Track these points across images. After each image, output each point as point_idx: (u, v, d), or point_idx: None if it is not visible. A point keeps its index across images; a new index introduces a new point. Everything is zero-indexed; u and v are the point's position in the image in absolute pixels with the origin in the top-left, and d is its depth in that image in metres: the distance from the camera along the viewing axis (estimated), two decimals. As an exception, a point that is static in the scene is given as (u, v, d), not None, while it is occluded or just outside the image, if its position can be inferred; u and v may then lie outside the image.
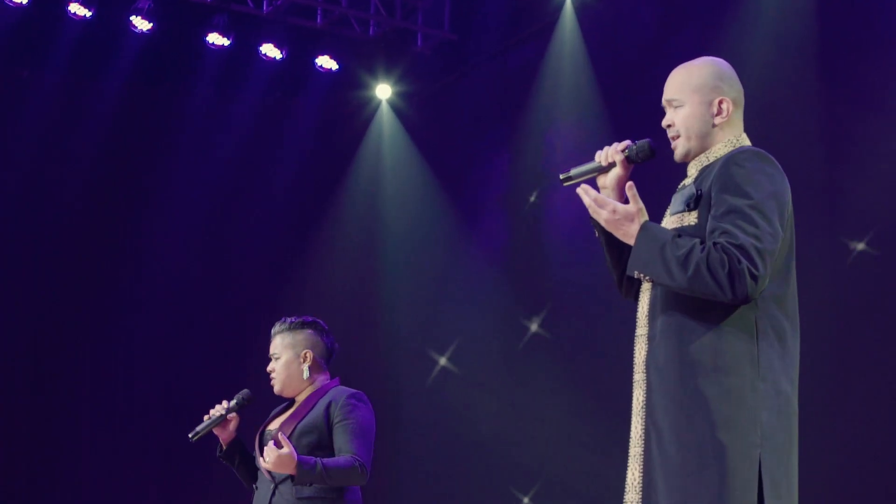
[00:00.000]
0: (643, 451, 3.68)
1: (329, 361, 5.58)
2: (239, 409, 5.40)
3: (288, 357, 5.49)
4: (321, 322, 5.60)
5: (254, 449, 5.49)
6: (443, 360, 10.66)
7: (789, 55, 7.97)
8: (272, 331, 5.59)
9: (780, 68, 7.86)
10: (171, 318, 11.00)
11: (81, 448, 10.61)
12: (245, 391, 5.42)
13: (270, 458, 5.04)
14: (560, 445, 9.42)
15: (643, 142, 3.83)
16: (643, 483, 3.66)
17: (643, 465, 3.67)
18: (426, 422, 10.74)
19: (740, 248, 3.46)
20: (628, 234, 3.65)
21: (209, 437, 5.44)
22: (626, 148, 3.84)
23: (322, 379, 5.51)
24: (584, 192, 3.75)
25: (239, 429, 5.49)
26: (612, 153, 3.85)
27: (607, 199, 3.71)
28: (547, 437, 9.53)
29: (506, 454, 9.83)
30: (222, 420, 5.36)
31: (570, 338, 9.58)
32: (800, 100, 7.82)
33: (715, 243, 3.49)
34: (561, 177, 3.91)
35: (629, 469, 3.74)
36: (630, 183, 3.71)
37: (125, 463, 10.62)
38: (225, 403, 5.39)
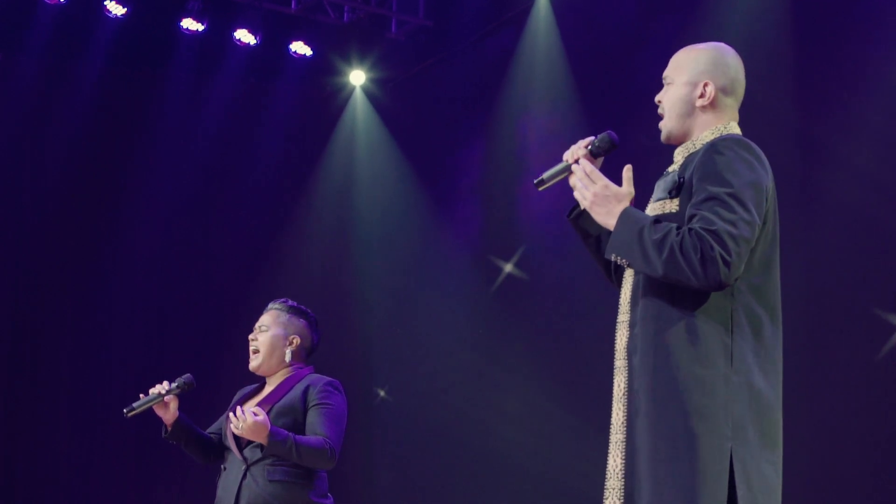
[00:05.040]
0: (625, 437, 3.68)
1: (310, 355, 5.62)
2: (179, 392, 5.42)
3: (276, 332, 5.53)
4: (315, 317, 5.64)
5: (205, 428, 5.57)
6: (417, 346, 10.67)
7: (765, 44, 7.99)
8: (269, 305, 5.61)
9: (757, 57, 7.87)
10: (147, 304, 10.99)
11: (59, 439, 10.58)
12: (187, 375, 5.45)
13: (244, 423, 5.06)
14: (536, 432, 9.44)
15: (603, 135, 3.85)
16: (625, 470, 3.67)
17: (625, 451, 3.68)
18: (399, 407, 10.75)
19: (714, 233, 3.46)
20: (612, 213, 3.65)
21: (153, 417, 5.47)
22: (589, 143, 3.86)
23: (298, 366, 5.54)
24: (581, 166, 3.76)
25: (198, 410, 5.52)
26: (576, 150, 3.87)
27: (601, 175, 3.73)
28: (523, 425, 9.55)
29: (481, 441, 9.85)
30: (159, 400, 5.38)
31: (546, 327, 9.59)
32: (776, 83, 7.84)
33: (690, 229, 3.49)
34: (535, 182, 3.93)
35: (610, 455, 3.74)
36: (629, 166, 3.73)
37: (103, 452, 10.60)
38: (166, 384, 5.41)
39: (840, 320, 7.50)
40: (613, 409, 3.76)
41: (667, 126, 3.85)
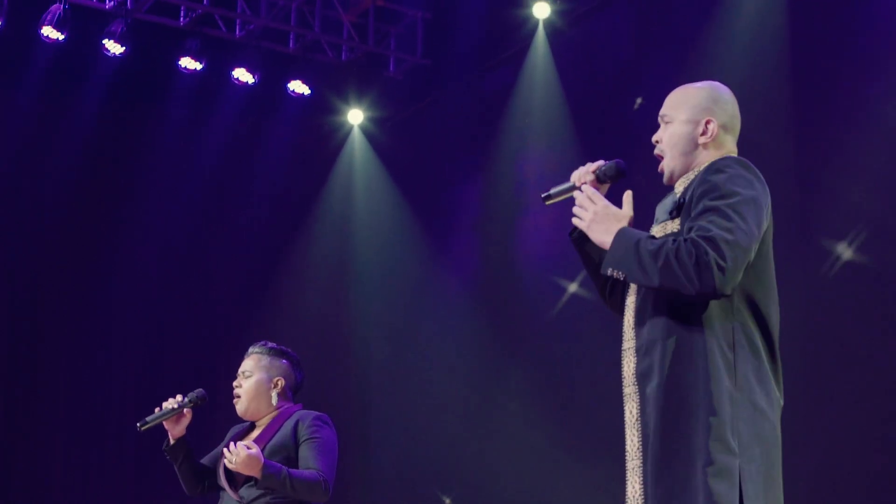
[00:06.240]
0: (641, 463, 3.68)
1: (296, 393, 5.61)
2: (192, 406, 5.40)
3: (259, 378, 5.51)
4: (297, 356, 5.63)
5: (201, 456, 5.55)
6: (415, 382, 10.66)
7: (762, 81, 8.02)
8: (249, 350, 5.60)
9: (754, 93, 7.90)
10: (145, 342, 10.99)
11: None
12: (200, 390, 5.43)
13: (238, 457, 5.05)
14: (537, 464, 9.43)
15: (611, 162, 3.89)
16: (644, 496, 3.66)
17: (642, 476, 3.67)
18: (397, 443, 10.73)
19: (710, 240, 3.46)
20: (609, 231, 3.66)
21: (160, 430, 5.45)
22: (597, 168, 3.88)
23: (286, 406, 5.53)
24: (584, 191, 3.78)
25: (200, 410, 5.51)
26: (583, 173, 3.91)
27: (602, 197, 3.76)
28: (522, 457, 9.54)
29: (481, 476, 9.84)
30: (175, 413, 5.37)
31: (542, 364, 9.59)
32: (773, 122, 7.87)
33: (686, 238, 3.51)
34: (542, 195, 3.96)
35: (629, 483, 3.73)
36: (629, 192, 3.77)
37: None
38: (179, 398, 5.40)
39: (839, 360, 7.52)
40: (627, 436, 3.75)
41: (669, 165, 3.85)
